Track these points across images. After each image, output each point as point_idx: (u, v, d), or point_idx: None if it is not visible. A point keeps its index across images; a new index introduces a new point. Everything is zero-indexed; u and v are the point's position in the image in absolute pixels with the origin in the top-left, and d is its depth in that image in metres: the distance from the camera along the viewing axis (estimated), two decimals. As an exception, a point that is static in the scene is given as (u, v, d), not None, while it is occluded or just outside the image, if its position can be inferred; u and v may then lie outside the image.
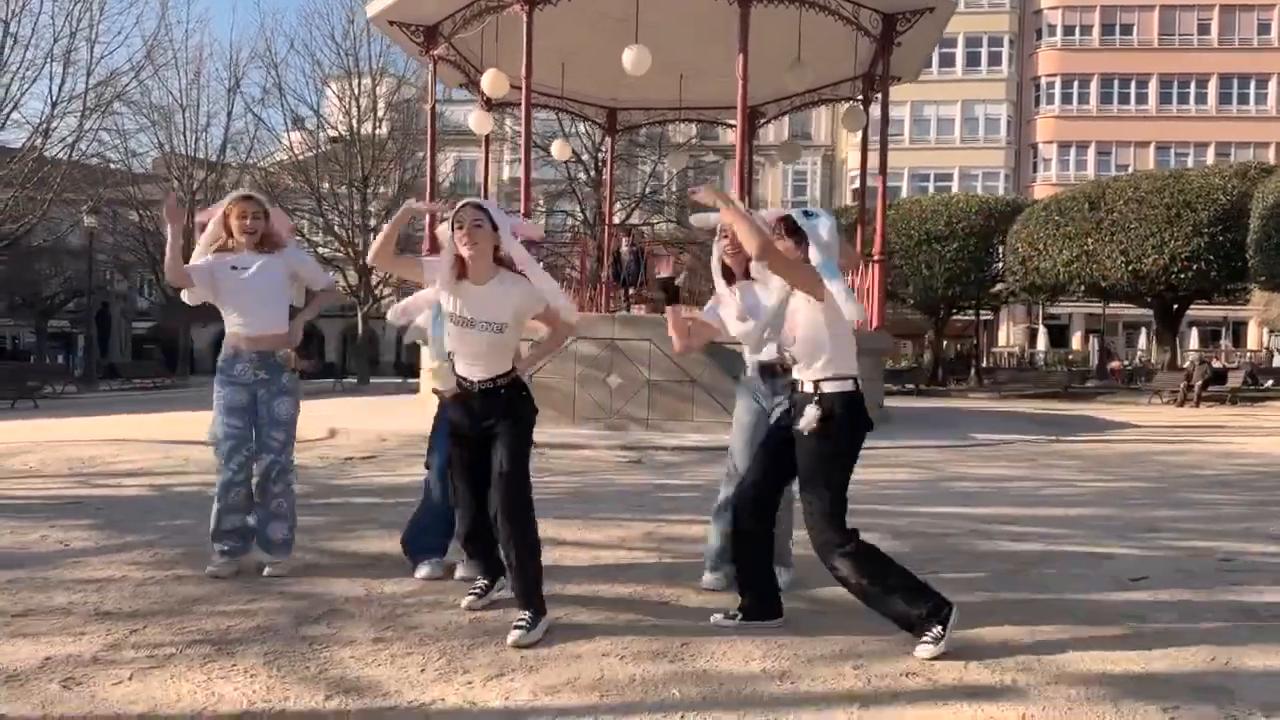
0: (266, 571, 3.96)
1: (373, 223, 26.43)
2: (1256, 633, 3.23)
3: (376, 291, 27.36)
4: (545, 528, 5.06)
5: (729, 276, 3.56)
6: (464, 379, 3.29)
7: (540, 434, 9.80)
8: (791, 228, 3.12)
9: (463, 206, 3.15)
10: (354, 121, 25.75)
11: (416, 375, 29.13)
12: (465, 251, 3.11)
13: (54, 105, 21.05)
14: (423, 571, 3.93)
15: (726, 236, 3.46)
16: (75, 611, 3.42)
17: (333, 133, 26.30)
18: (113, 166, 26.45)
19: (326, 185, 26.01)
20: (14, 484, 6.87)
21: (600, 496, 6.41)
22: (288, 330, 4.03)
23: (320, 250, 27.33)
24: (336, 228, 26.09)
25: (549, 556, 4.31)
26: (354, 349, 34.98)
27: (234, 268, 3.87)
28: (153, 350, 40.47)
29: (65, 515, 5.43)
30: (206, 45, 35.83)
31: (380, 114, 26.61)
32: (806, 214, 3.09)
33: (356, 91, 25.58)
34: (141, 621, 3.28)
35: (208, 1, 57.89)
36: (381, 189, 26.90)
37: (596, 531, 4.98)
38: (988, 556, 4.43)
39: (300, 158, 26.66)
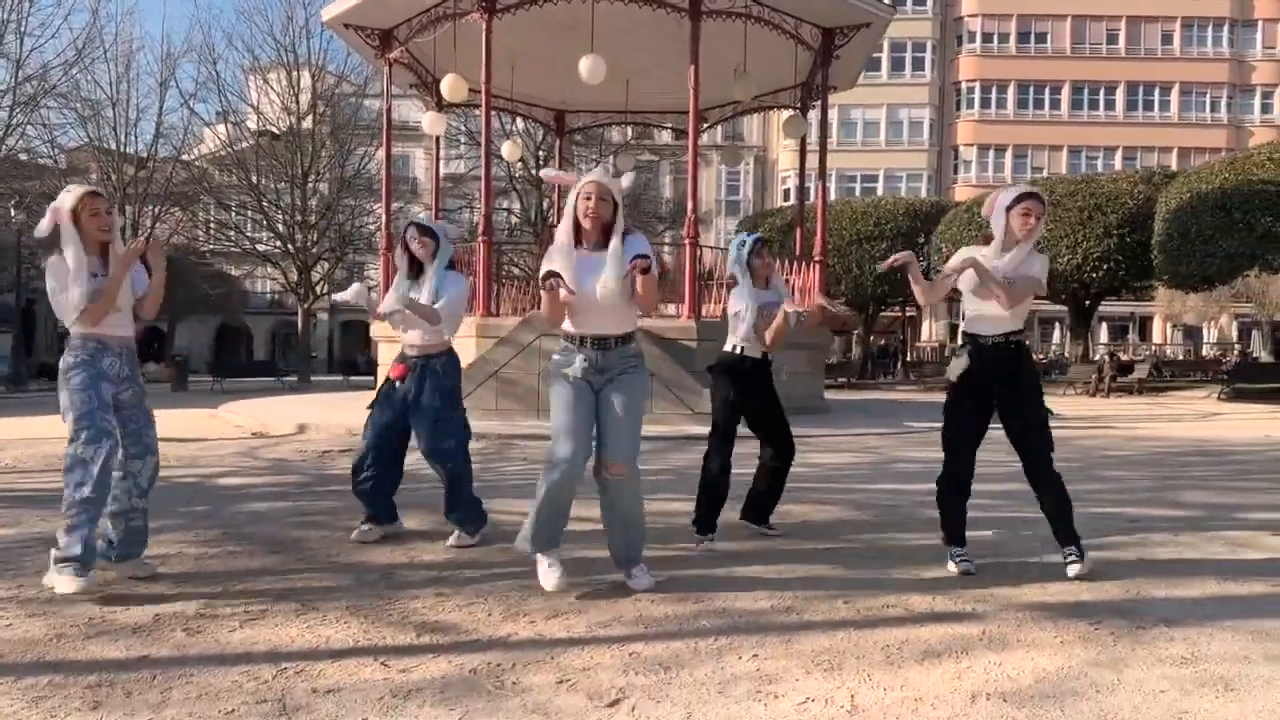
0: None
1: (313, 219, 26.33)
2: (1155, 572, 3.97)
3: (317, 289, 27.29)
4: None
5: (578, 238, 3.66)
6: None
7: (510, 427, 10.26)
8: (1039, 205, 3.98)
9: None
10: (294, 119, 25.65)
11: (357, 372, 29.17)
12: None
13: (-16, 98, 20.61)
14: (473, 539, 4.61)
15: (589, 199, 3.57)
16: (155, 582, 3.84)
17: (272, 129, 26.09)
18: (40, 162, 25.82)
19: (268, 180, 25.84)
20: (10, 479, 7.11)
21: (589, 482, 6.93)
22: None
23: (260, 247, 27.20)
24: (279, 225, 25.93)
25: (575, 528, 4.87)
26: (293, 346, 34.66)
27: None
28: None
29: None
30: (137, 38, 34.84)
31: (320, 111, 26.53)
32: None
33: (297, 88, 25.48)
34: (219, 586, 3.73)
35: (138, -7, 56.16)
36: (322, 187, 26.83)
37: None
38: (935, 523, 5.12)
39: (236, 150, 26.37)
